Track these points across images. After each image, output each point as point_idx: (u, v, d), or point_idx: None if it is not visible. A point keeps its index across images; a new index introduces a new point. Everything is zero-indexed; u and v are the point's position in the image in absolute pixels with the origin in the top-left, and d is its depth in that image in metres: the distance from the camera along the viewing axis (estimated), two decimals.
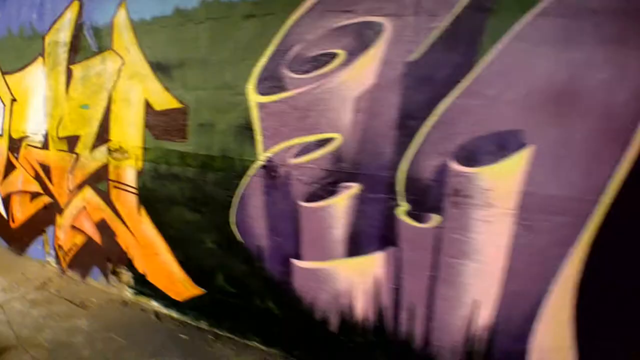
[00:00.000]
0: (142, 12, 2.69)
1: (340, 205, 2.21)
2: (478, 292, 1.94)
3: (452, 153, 1.92)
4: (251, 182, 2.44)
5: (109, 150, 2.96)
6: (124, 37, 2.77)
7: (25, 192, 3.73)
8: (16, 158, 3.74)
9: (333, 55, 2.14)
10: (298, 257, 2.39)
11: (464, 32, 1.84)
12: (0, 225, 4.06)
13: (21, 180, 3.71)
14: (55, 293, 3.35)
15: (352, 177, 2.17)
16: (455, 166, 1.92)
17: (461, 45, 1.82)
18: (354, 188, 2.17)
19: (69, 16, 3.06)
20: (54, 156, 3.37)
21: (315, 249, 2.33)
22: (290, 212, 2.36)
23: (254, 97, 2.36)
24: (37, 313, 3.01)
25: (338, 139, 2.16)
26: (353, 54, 2.08)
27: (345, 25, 2.09)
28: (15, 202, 3.85)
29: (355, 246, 2.22)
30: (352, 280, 2.25)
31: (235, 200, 2.51)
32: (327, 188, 2.24)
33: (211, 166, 2.56)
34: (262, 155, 2.38)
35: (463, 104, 1.85)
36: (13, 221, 3.92)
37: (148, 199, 2.88)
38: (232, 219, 2.54)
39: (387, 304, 2.20)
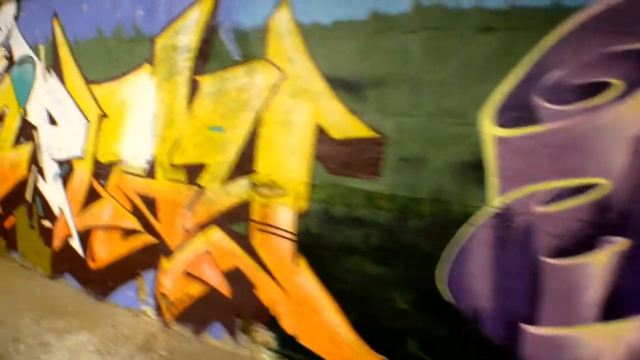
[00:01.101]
0: (317, 13, 2.41)
1: (600, 262, 2.00)
2: None
3: None
4: (475, 233, 2.19)
5: (253, 185, 2.66)
6: (285, 44, 2.47)
7: (115, 227, 3.39)
8: (103, 186, 3.38)
9: (606, 85, 1.90)
10: (531, 321, 2.18)
11: None
12: (75, 263, 3.81)
13: (109, 212, 3.40)
14: (167, 355, 3.05)
15: (618, 230, 1.95)
16: None
17: None
18: (619, 243, 1.95)
19: (196, 15, 2.74)
20: (163, 187, 3.08)
21: (558, 312, 2.13)
22: (527, 269, 2.14)
23: (489, 129, 2.10)
24: None
25: (605, 185, 1.94)
26: (634, 85, 1.85)
27: (626, 50, 1.86)
28: (98, 238, 3.54)
29: (613, 309, 2.03)
30: (601, 348, 2.06)
31: (448, 254, 2.26)
32: (583, 242, 2.02)
33: (415, 211, 2.31)
34: (496, 201, 2.12)
35: None
36: (93, 260, 3.61)
37: (311, 246, 2.62)
38: (441, 275, 2.30)
39: None
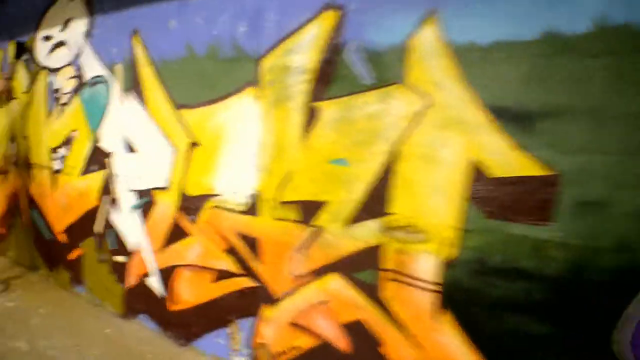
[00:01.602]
0: (473, 32, 2.24)
1: None
2: None
3: None
4: None
5: (387, 228, 2.48)
6: (430, 67, 2.32)
7: (205, 268, 3.27)
8: (191, 222, 3.25)
9: None
10: None
11: None
12: (152, 304, 3.76)
13: (198, 251, 3.30)
14: None
15: None
16: None
17: None
18: None
19: (315, 32, 2.60)
20: (269, 226, 2.95)
21: None
22: None
23: None
24: None
25: None
26: None
27: None
28: (183, 278, 3.45)
29: None
30: None
31: (632, 312, 2.06)
32: None
33: (594, 262, 2.12)
34: None
35: None
36: (175, 302, 3.49)
37: (460, 300, 2.45)
38: (620, 336, 2.10)
39: None
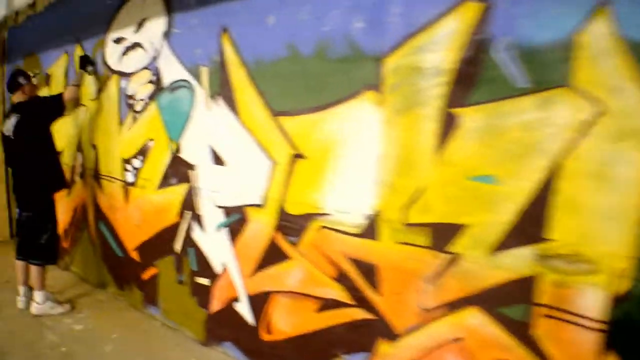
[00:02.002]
0: None
1: None
2: None
3: None
4: None
5: (543, 256, 2.32)
6: (604, 68, 2.14)
7: (307, 295, 3.16)
8: (292, 243, 3.13)
9: None
10: None
11: None
12: (241, 332, 3.73)
13: (300, 277, 3.22)
14: None
15: None
16: None
17: None
18: None
19: (453, 26, 2.47)
20: (390, 251, 2.84)
21: None
22: None
23: None
24: None
25: None
26: None
27: None
28: (280, 306, 3.37)
29: None
30: None
31: None
32: None
33: None
34: None
35: None
36: (269, 332, 3.39)
37: (631, 340, 2.25)
38: None
39: None
